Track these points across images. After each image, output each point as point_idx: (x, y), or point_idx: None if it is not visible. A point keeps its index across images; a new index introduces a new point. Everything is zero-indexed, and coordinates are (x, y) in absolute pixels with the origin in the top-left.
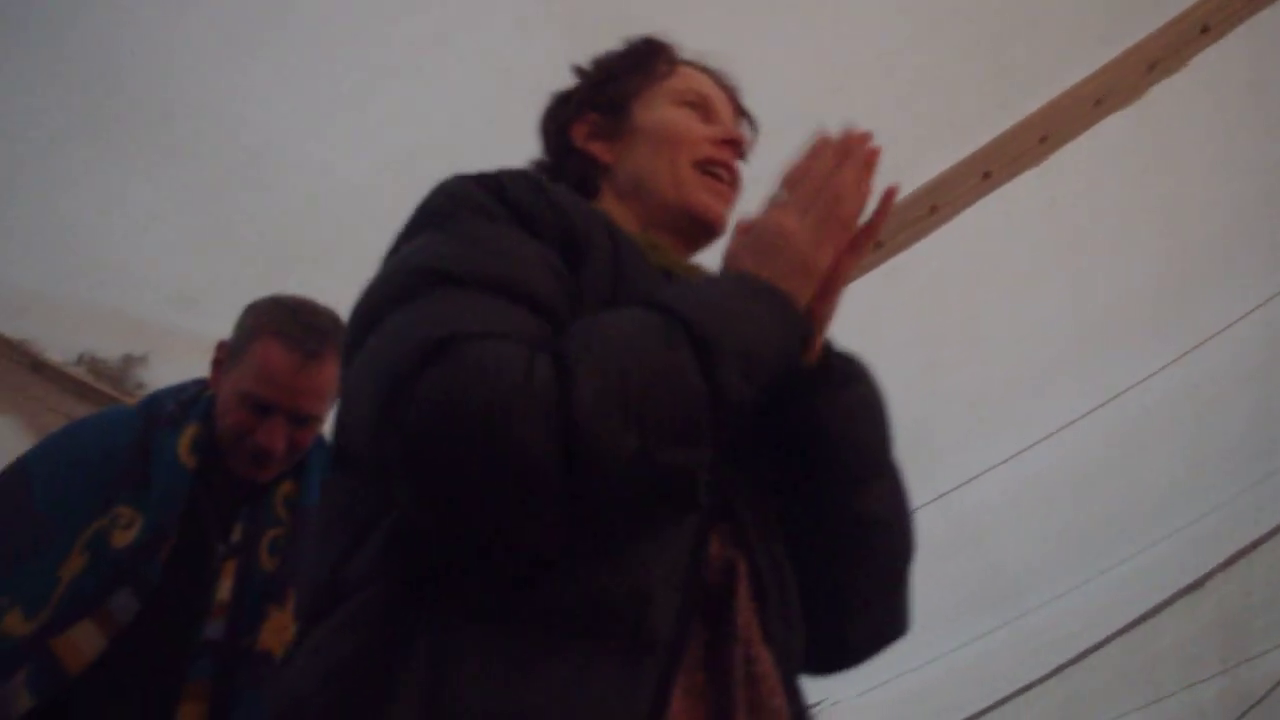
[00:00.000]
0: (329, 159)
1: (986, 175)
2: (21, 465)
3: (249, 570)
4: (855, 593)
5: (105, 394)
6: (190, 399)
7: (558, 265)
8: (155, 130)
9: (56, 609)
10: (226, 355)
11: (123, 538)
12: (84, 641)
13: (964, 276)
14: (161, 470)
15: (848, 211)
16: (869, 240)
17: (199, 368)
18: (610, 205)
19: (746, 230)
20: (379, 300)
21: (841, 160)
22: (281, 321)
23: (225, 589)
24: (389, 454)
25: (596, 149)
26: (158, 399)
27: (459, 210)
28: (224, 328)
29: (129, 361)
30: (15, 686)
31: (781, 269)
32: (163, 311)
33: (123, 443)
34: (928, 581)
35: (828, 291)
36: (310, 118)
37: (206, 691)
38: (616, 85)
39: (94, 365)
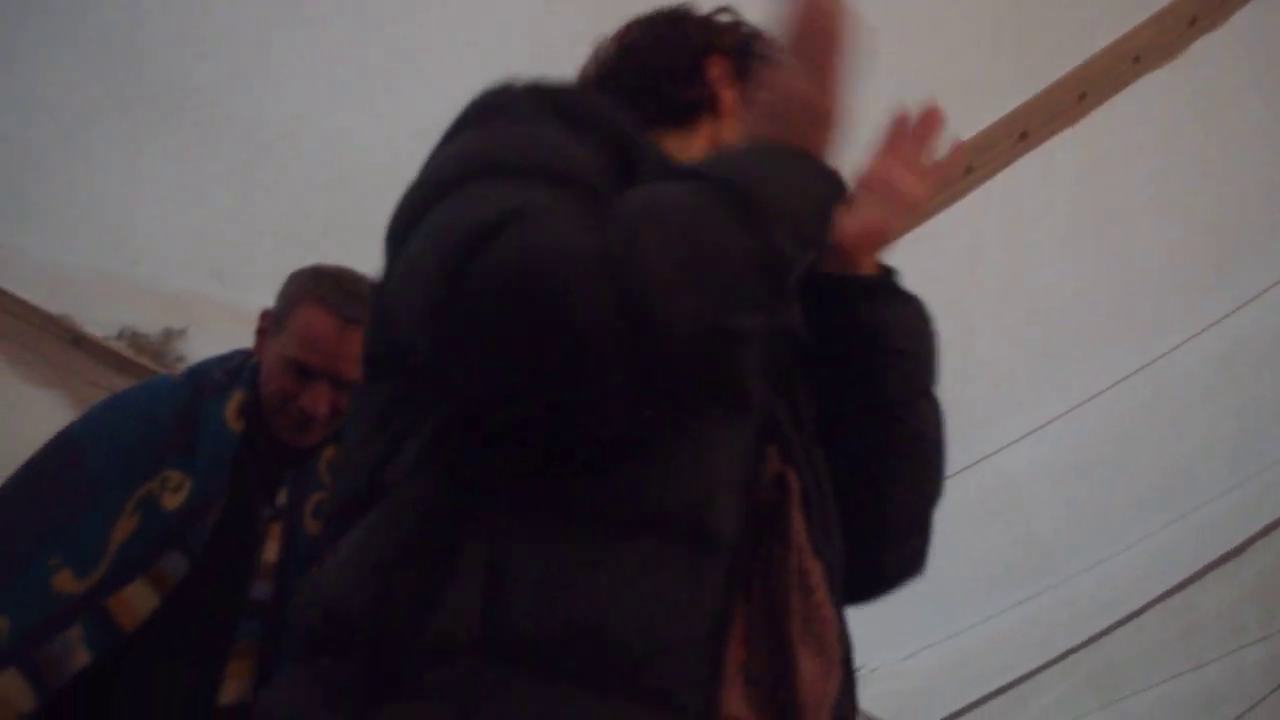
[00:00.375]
0: (358, 133)
1: (1023, 136)
2: (71, 432)
3: (294, 533)
4: (899, 515)
5: (146, 367)
6: (235, 367)
7: (607, 169)
8: (185, 106)
9: (109, 569)
10: (270, 323)
11: (172, 500)
12: (137, 600)
13: (1000, 239)
14: (209, 435)
15: (838, 46)
16: (952, 166)
17: (237, 339)
18: (688, 144)
19: (754, 104)
20: (420, 198)
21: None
22: (323, 288)
23: (271, 551)
24: (449, 338)
25: (726, 94)
26: (203, 368)
27: (504, 109)
28: (259, 299)
29: (169, 335)
30: (71, 642)
31: (795, 126)
32: (200, 285)
33: (170, 410)
34: (965, 548)
35: (897, 204)
36: (339, 93)
37: (254, 651)
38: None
39: (134, 339)
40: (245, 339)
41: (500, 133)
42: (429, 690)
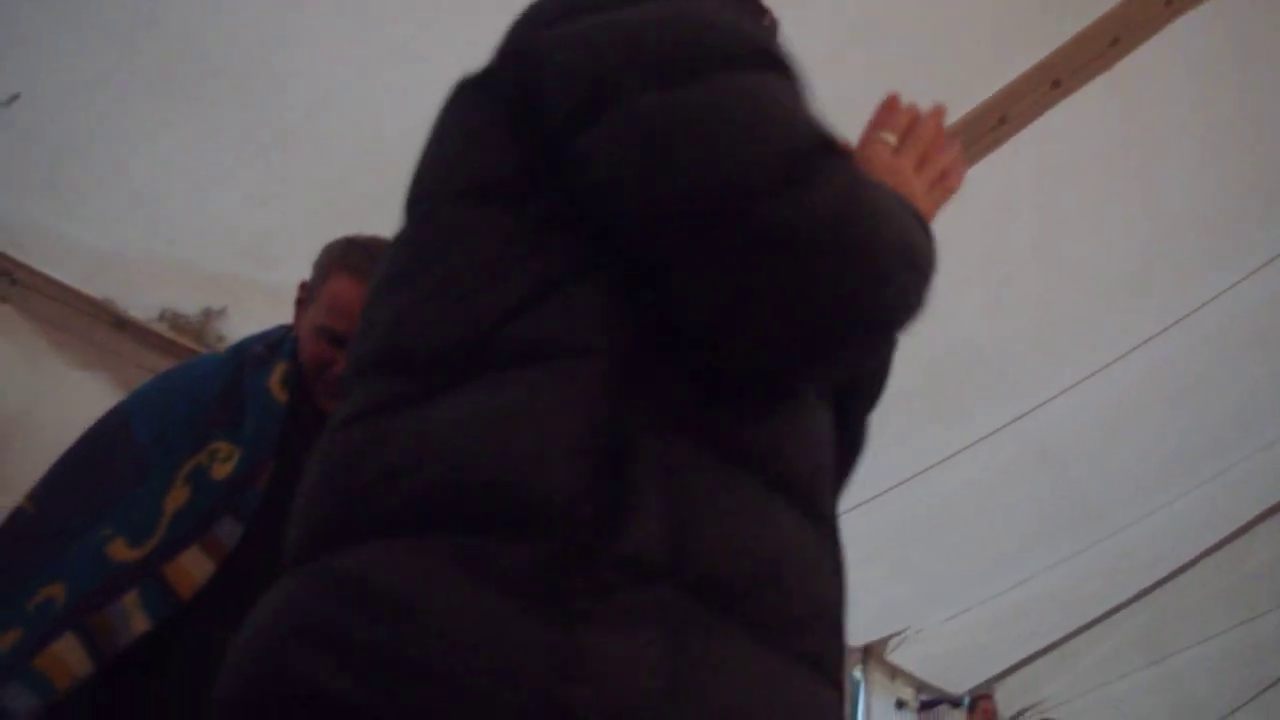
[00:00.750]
0: (389, 106)
1: (1056, 84)
2: (121, 408)
3: None
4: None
5: (187, 348)
6: (276, 340)
7: None
8: (216, 86)
9: (163, 538)
10: (306, 294)
11: (222, 469)
12: (194, 567)
13: (1033, 190)
14: (255, 406)
15: (952, 188)
16: None
17: (276, 317)
18: None
19: (863, 159)
20: (701, 46)
21: (949, 137)
22: (352, 257)
23: None
24: (758, 241)
25: None
26: (245, 344)
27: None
28: (296, 277)
29: (208, 315)
30: (127, 608)
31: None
32: (237, 265)
33: (214, 386)
34: (1007, 507)
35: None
36: (367, 66)
37: None
38: None
39: (175, 320)
40: (283, 316)
41: (756, 33)
42: (630, 611)
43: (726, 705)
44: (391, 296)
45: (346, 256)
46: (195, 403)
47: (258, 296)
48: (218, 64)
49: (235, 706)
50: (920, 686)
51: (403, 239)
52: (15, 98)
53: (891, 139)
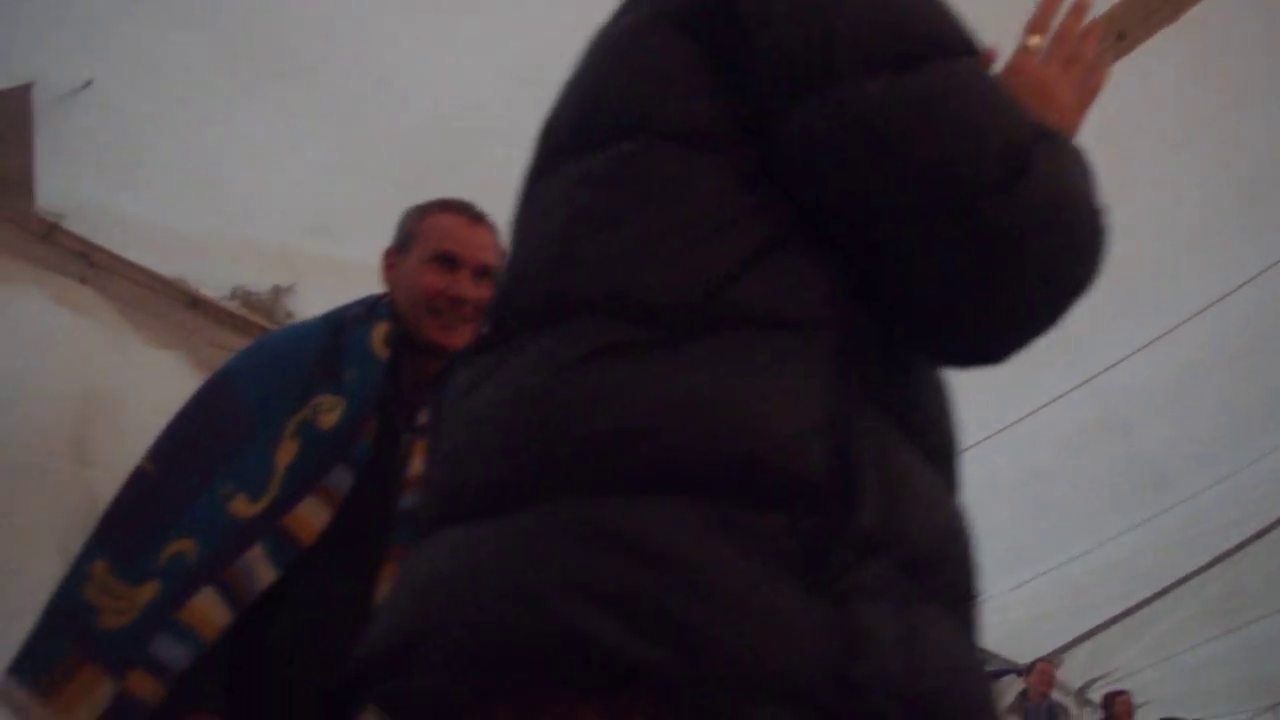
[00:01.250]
0: (452, 76)
1: (1121, 37)
2: (224, 373)
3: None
4: None
5: (258, 325)
6: (373, 302)
7: None
8: (282, 63)
9: (280, 491)
10: (395, 253)
11: (328, 419)
12: (312, 515)
13: (1101, 146)
14: (357, 361)
15: (1098, 84)
16: None
17: (343, 293)
18: None
19: (1012, 74)
20: (917, 30)
21: (1091, 28)
22: (441, 202)
23: (416, 465)
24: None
25: None
26: (338, 311)
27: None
28: (364, 252)
29: (278, 292)
30: (255, 560)
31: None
32: (305, 241)
33: (313, 345)
34: (1077, 472)
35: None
36: (430, 36)
37: (406, 555)
38: None
39: (246, 298)
40: (351, 292)
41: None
42: (869, 587)
43: (945, 675)
44: (603, 236)
45: (434, 203)
46: (295, 363)
47: (326, 272)
48: (284, 40)
49: (473, 645)
50: (986, 657)
51: (596, 175)
52: (88, 84)
53: (1038, 42)
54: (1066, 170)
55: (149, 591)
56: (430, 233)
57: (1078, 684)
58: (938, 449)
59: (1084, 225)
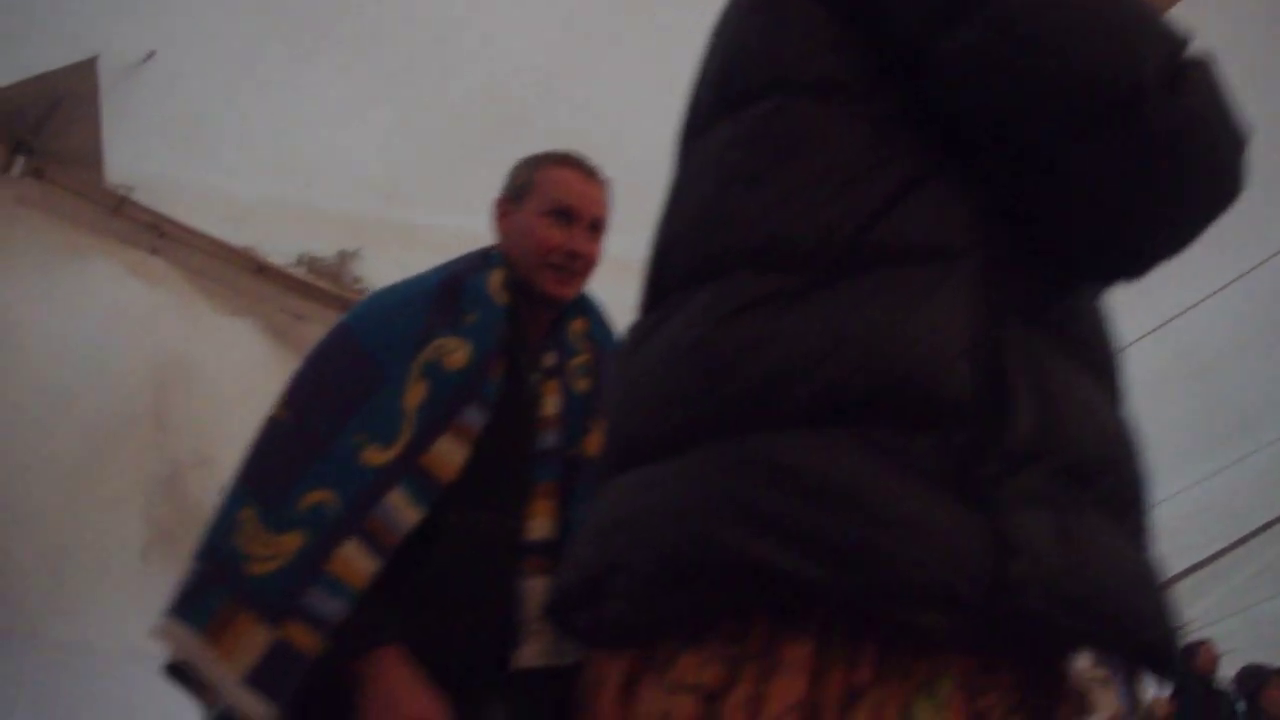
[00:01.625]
0: (508, 37)
1: None
2: (343, 326)
3: (567, 389)
4: None
5: (325, 290)
6: (485, 251)
7: None
8: (339, 25)
9: (414, 432)
10: (507, 203)
11: (456, 360)
12: (449, 453)
13: None
14: (478, 304)
15: None
16: None
17: (409, 257)
18: None
19: None
20: None
21: None
22: (556, 155)
23: (550, 405)
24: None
25: None
26: (449, 263)
27: None
28: (427, 215)
29: (343, 257)
30: (396, 505)
31: None
32: (370, 206)
33: (429, 293)
34: (1153, 418)
35: None
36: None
37: (553, 491)
38: None
39: (313, 264)
40: (417, 256)
41: None
42: (1023, 496)
43: (1105, 576)
44: (749, 193)
45: (549, 156)
46: (413, 310)
47: (391, 236)
48: (344, 7)
49: (653, 576)
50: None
51: (739, 136)
52: (150, 56)
53: None
54: (1215, 80)
55: (294, 540)
56: (546, 186)
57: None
58: (1098, 361)
59: (1234, 134)
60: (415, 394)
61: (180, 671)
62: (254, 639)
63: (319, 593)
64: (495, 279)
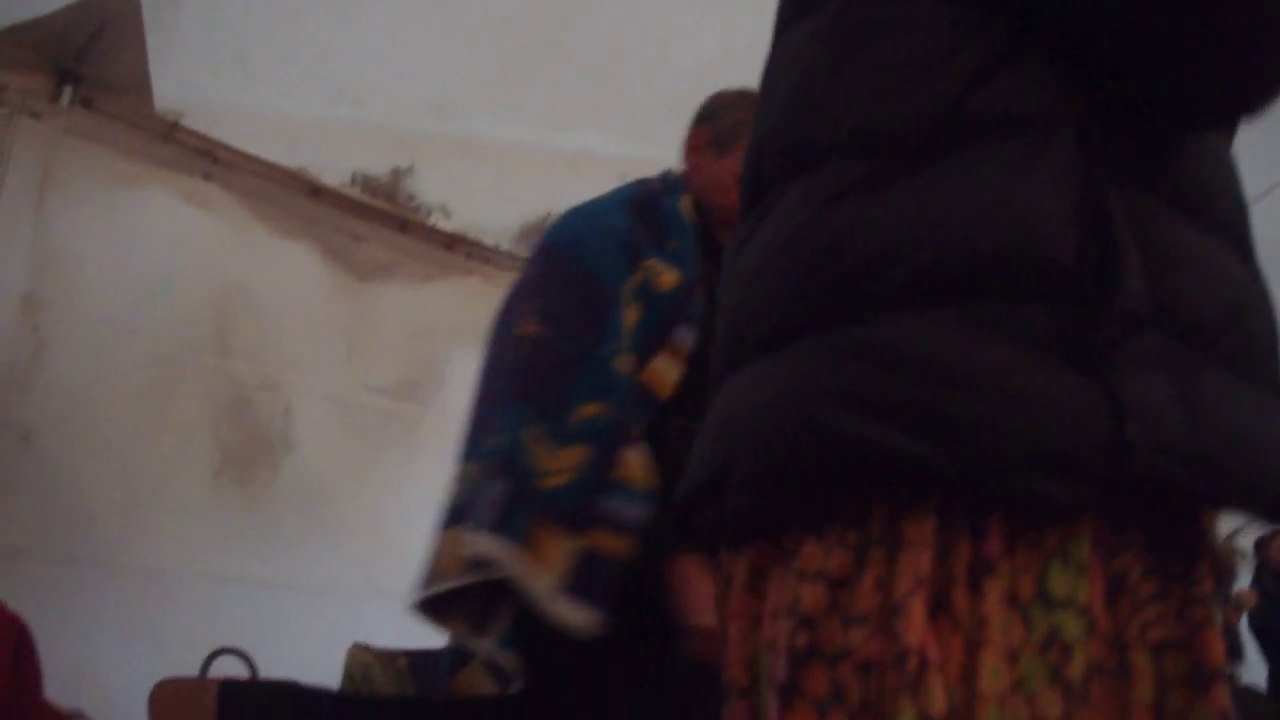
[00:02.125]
0: None
1: None
2: (551, 243)
3: None
4: None
5: (380, 209)
6: (664, 176)
7: None
8: None
9: (632, 350)
10: (707, 143)
11: (666, 282)
12: (665, 371)
13: None
14: (677, 226)
15: None
16: None
17: (464, 172)
18: None
19: None
20: None
21: None
22: None
23: None
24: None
25: None
26: (628, 186)
27: None
28: (480, 129)
29: (397, 174)
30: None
31: None
32: (420, 121)
33: (625, 214)
34: None
35: None
36: None
37: None
38: None
39: (366, 183)
40: (472, 171)
41: None
42: (1136, 358)
43: (1229, 433)
44: (834, 82)
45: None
46: (613, 233)
47: (444, 152)
48: None
49: (767, 468)
50: None
51: (821, 28)
52: None
53: None
54: None
55: (579, 454)
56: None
57: (1224, 533)
58: (1223, 220)
59: None
60: (632, 314)
61: (426, 605)
62: (562, 548)
63: (617, 500)
64: (685, 202)
